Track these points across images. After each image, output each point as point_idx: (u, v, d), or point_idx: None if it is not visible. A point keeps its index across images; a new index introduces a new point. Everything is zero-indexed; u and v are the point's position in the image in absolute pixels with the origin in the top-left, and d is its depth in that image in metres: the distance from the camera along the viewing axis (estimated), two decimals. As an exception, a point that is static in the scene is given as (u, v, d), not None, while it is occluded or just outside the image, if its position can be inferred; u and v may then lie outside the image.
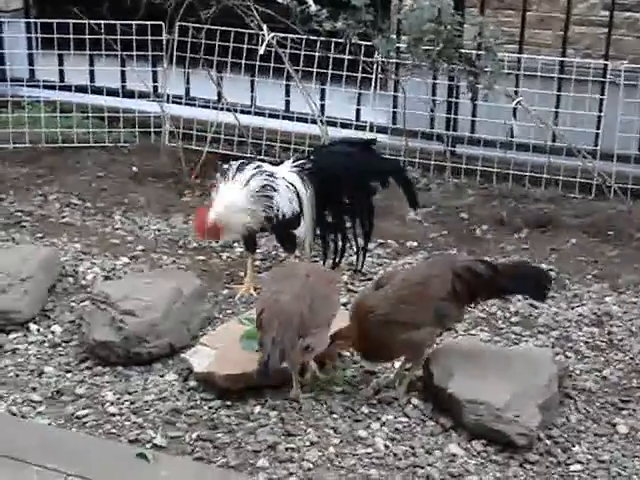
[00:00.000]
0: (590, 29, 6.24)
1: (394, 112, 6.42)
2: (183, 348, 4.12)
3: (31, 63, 7.05)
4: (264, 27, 5.92)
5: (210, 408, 3.76)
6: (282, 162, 4.93)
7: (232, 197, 4.51)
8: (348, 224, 4.90)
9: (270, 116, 6.45)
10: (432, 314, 3.76)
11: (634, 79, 5.84)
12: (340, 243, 4.88)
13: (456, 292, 3.77)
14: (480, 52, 5.67)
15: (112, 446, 3.54)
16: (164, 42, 6.31)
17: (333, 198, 4.81)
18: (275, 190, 4.57)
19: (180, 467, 3.42)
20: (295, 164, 4.77)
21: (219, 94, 6.41)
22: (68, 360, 4.11)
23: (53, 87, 6.85)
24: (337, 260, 4.88)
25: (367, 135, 6.13)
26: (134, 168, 6.28)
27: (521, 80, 6.01)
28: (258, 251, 4.97)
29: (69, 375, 4.00)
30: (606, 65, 5.95)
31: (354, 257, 5.10)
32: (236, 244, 5.15)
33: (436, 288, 3.77)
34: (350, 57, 6.09)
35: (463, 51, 5.64)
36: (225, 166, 4.73)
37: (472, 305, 3.97)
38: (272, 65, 6.15)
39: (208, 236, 4.67)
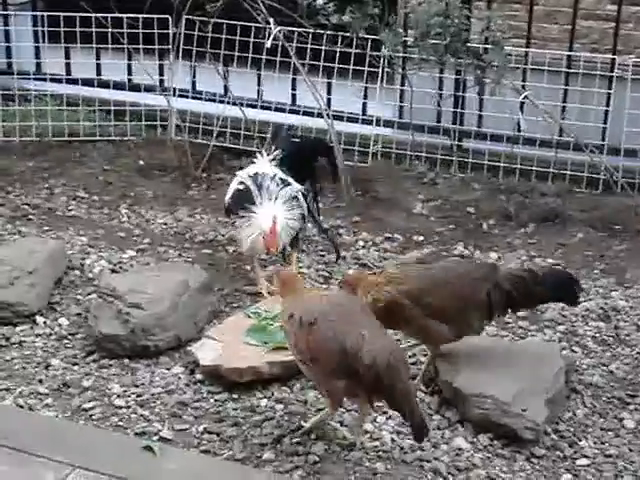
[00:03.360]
0: (597, 23, 6.22)
1: (401, 106, 6.41)
2: (190, 341, 4.13)
3: (38, 56, 7.04)
4: (271, 21, 5.90)
5: (216, 401, 3.77)
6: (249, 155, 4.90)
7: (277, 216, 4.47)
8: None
9: (276, 110, 6.44)
10: (459, 314, 3.73)
11: (642, 73, 5.83)
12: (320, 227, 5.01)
13: (490, 303, 3.74)
14: (487, 46, 5.66)
15: (118, 439, 3.54)
16: (171, 35, 6.31)
17: (298, 177, 4.84)
18: (297, 194, 4.64)
19: (186, 460, 3.42)
20: (272, 157, 4.80)
21: (225, 88, 6.40)
22: (75, 353, 4.12)
23: (60, 80, 6.86)
24: (336, 252, 4.89)
25: (373, 129, 6.16)
26: (140, 161, 6.28)
27: (528, 74, 5.99)
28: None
29: (76, 368, 4.01)
30: (613, 59, 5.93)
31: (361, 251, 5.11)
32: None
33: (471, 291, 3.74)
34: (357, 51, 6.08)
35: (470, 45, 5.63)
36: (234, 186, 4.70)
37: (503, 315, 3.95)
38: (279, 59, 6.14)
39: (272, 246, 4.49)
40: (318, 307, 3.45)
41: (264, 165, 4.77)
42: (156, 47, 6.46)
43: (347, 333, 3.29)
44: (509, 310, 3.88)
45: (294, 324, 3.42)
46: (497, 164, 6.00)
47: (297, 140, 5.07)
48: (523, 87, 5.78)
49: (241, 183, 4.65)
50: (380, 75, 6.16)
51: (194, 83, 6.67)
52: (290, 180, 4.69)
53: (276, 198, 4.53)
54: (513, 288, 3.76)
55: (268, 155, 4.83)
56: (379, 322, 3.46)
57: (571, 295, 3.92)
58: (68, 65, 6.91)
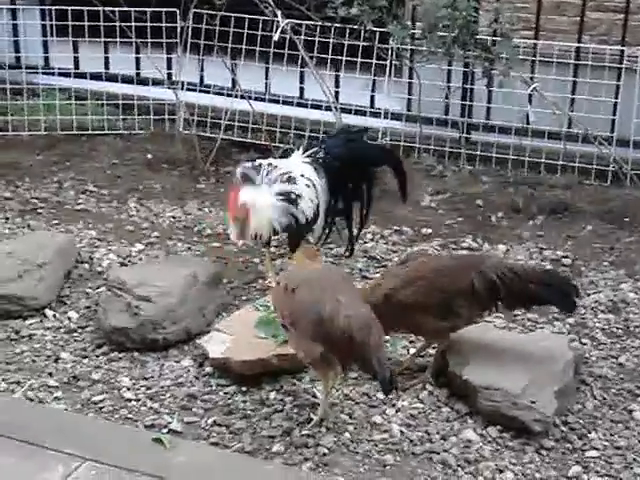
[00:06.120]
0: (606, 15, 6.18)
1: (409, 99, 6.40)
2: (199, 334, 4.14)
3: (46, 50, 7.05)
4: (278, 14, 5.91)
5: (226, 394, 3.78)
6: (289, 151, 4.82)
7: (259, 195, 4.38)
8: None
9: (284, 103, 6.43)
10: (440, 305, 3.73)
11: (650, 65, 5.81)
12: (349, 229, 4.85)
13: (475, 291, 3.72)
14: (496, 38, 5.65)
15: (128, 431, 3.55)
16: (178, 29, 6.31)
17: (343, 185, 4.76)
18: (299, 196, 4.49)
19: (196, 452, 3.43)
20: (307, 154, 4.70)
21: (233, 81, 6.40)
22: (84, 346, 4.13)
23: (68, 74, 6.86)
24: (351, 247, 4.86)
25: (381, 121, 6.14)
26: (149, 155, 6.28)
27: (537, 66, 5.98)
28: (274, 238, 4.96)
29: (85, 361, 4.03)
30: (622, 51, 5.91)
31: (369, 244, 5.11)
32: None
33: (451, 280, 3.74)
34: (365, 44, 6.07)
35: (478, 37, 5.62)
36: (239, 170, 4.54)
37: (493, 310, 3.86)
38: (286, 52, 6.14)
39: (238, 214, 4.34)
40: (302, 275, 3.62)
41: (294, 163, 4.61)
42: (164, 41, 6.47)
43: (325, 300, 3.40)
44: (499, 303, 3.79)
45: (280, 290, 3.59)
46: (506, 156, 5.99)
47: (355, 144, 4.80)
48: (532, 79, 5.76)
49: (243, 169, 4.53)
50: (388, 68, 6.15)
51: (202, 76, 6.67)
52: (315, 178, 4.57)
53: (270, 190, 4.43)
54: (499, 278, 3.70)
55: (304, 152, 4.65)
56: (358, 291, 3.61)
57: (565, 301, 3.81)
58: (76, 59, 6.92)
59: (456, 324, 3.80)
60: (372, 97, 6.39)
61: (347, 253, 4.88)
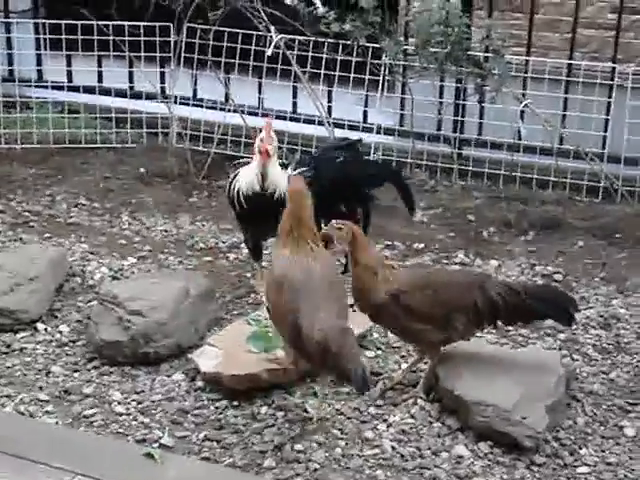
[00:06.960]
0: (598, 32, 6.22)
1: (401, 114, 6.43)
2: (190, 348, 4.13)
3: (39, 64, 7.07)
4: (272, 29, 5.93)
5: (217, 408, 3.77)
6: (282, 166, 4.83)
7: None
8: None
9: (277, 118, 6.43)
10: (440, 317, 3.74)
11: (642, 82, 5.84)
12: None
13: (477, 308, 3.74)
14: (488, 54, 5.68)
15: (119, 446, 3.55)
16: (172, 43, 6.33)
17: (332, 206, 4.73)
18: None
19: (187, 467, 3.42)
20: (295, 173, 4.63)
21: (226, 95, 6.42)
22: (75, 360, 4.13)
23: (61, 88, 6.88)
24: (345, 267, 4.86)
25: (374, 137, 6.15)
26: (141, 169, 6.29)
27: (529, 83, 6.01)
28: (265, 252, 4.97)
29: (76, 375, 4.02)
30: (614, 68, 5.94)
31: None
32: (242, 245, 5.16)
33: (456, 295, 3.76)
34: (358, 59, 6.09)
35: (471, 53, 5.65)
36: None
37: (492, 326, 3.90)
38: (279, 67, 6.16)
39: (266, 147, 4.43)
40: (288, 272, 3.52)
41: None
42: (157, 55, 6.48)
43: (303, 310, 3.39)
44: (498, 321, 3.83)
45: (269, 281, 3.63)
46: (497, 172, 6.01)
47: (343, 160, 4.75)
48: (523, 95, 5.79)
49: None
50: (381, 83, 6.17)
51: (195, 91, 6.69)
52: None
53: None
54: (500, 298, 3.73)
55: (294, 170, 4.62)
56: (343, 299, 3.57)
57: (563, 314, 3.84)
58: (70, 72, 6.93)
59: (450, 337, 3.81)
60: (365, 112, 6.40)
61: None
